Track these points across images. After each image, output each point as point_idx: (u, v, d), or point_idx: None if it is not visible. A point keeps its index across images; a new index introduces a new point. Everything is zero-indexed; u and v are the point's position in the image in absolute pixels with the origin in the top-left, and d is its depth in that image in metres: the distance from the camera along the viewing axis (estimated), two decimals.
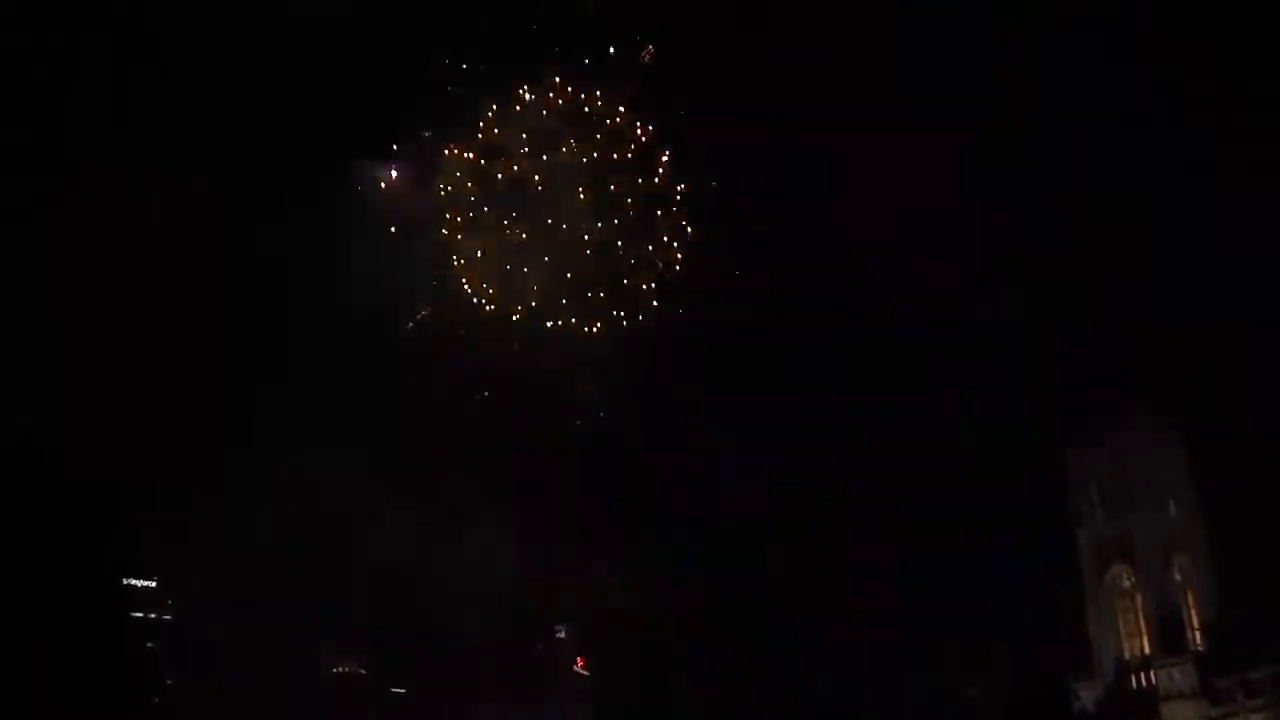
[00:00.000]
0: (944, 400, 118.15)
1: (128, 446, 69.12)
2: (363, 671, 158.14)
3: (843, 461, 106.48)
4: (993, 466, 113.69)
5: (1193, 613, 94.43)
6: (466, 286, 63.18)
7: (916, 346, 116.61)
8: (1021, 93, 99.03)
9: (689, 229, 69.71)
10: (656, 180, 66.63)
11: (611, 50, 68.58)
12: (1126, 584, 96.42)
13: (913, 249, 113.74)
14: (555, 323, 65.43)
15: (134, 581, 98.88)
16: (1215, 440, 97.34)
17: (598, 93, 65.40)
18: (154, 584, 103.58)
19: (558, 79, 64.35)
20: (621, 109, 67.24)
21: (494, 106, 63.32)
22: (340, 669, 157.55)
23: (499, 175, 64.11)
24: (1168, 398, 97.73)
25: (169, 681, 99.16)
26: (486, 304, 63.39)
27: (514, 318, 64.47)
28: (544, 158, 62.88)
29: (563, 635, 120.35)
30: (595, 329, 66.19)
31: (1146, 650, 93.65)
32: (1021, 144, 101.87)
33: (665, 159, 65.85)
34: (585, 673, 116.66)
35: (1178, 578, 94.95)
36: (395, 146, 68.10)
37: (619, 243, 68.15)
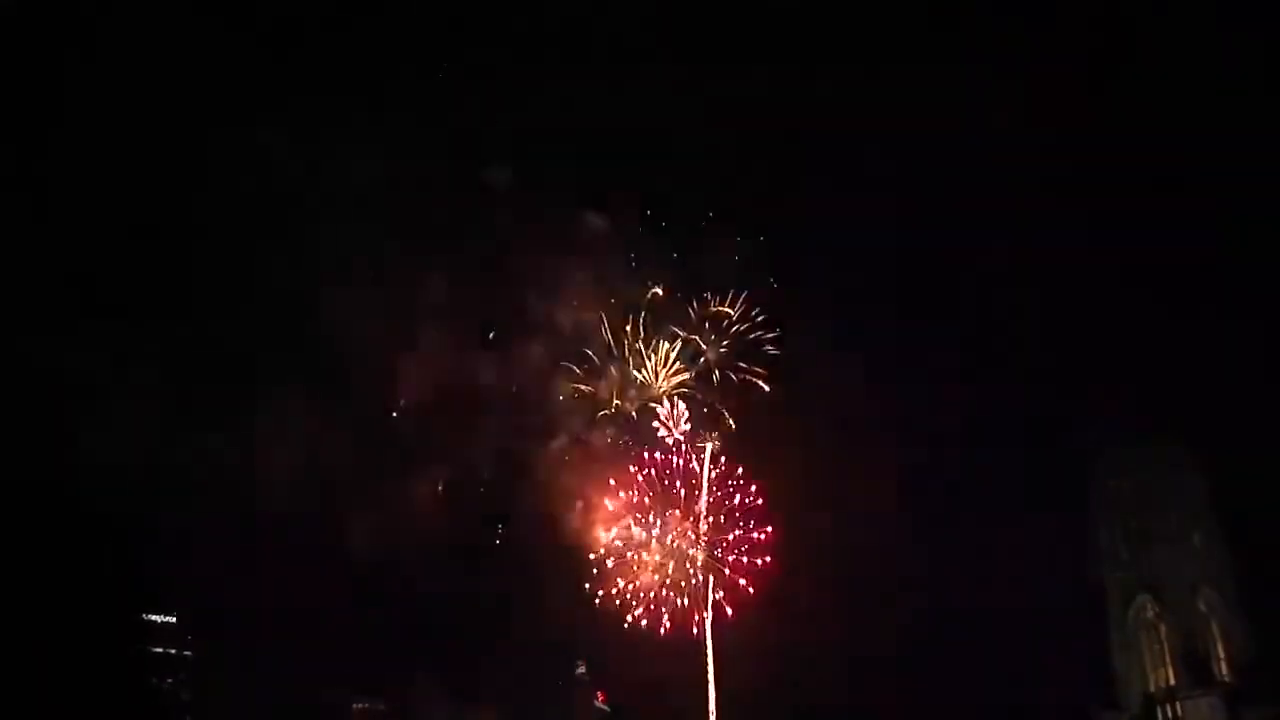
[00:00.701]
0: (966, 433, 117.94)
1: (146, 476, 69.55)
2: (382, 708, 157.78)
3: (861, 495, 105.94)
4: (1017, 497, 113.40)
5: (1219, 644, 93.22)
6: None
7: (938, 383, 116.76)
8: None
9: None
10: None
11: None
12: (1150, 614, 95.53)
13: (933, 273, 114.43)
14: None
15: (154, 617, 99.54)
16: (1240, 470, 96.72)
17: None
18: (174, 619, 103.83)
19: None
20: None
21: None
22: (361, 705, 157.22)
23: None
24: (1192, 429, 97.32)
25: (189, 718, 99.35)
26: None
27: None
28: None
29: (583, 670, 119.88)
30: None
31: (1172, 681, 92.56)
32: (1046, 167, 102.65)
33: None
34: (606, 708, 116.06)
35: (1203, 608, 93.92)
36: None
37: None
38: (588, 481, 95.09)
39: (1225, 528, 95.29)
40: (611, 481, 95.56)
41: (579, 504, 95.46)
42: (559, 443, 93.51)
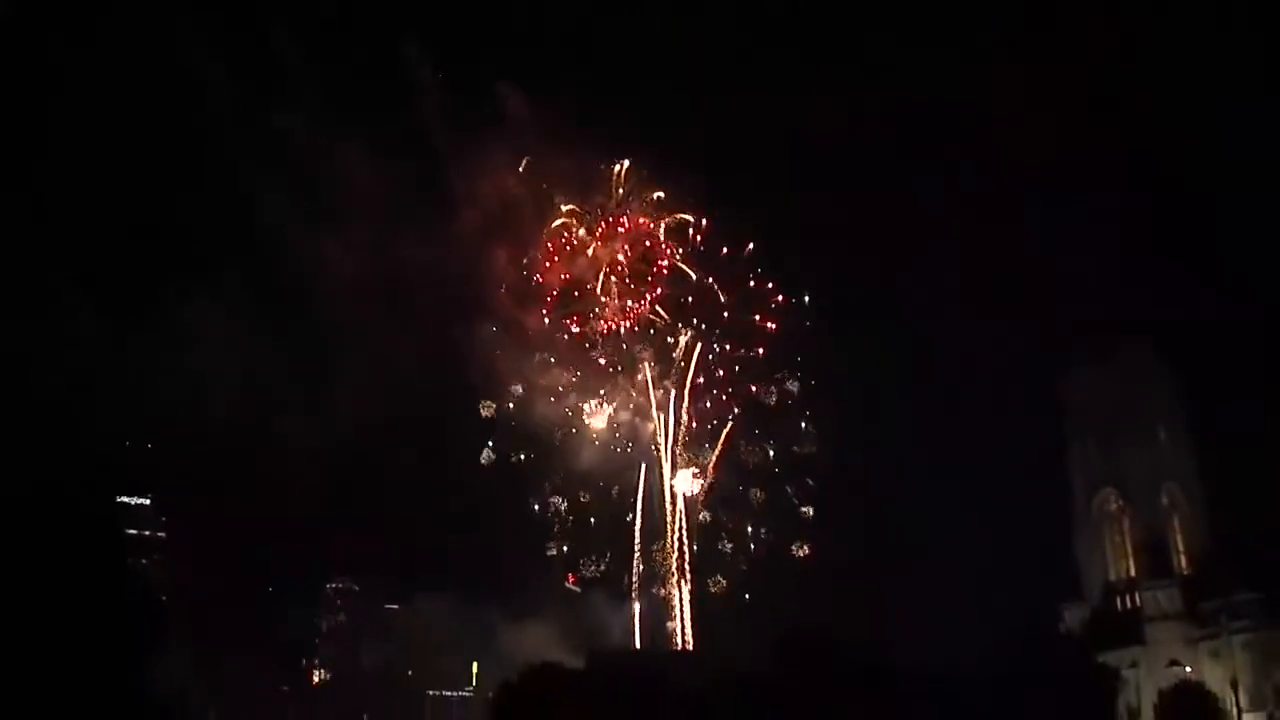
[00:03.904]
0: (935, 332, 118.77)
1: (116, 359, 68.62)
2: (356, 588, 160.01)
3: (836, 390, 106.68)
4: (985, 394, 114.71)
5: (1179, 537, 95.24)
6: None
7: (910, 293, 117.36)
8: None
9: None
10: None
11: None
12: (1113, 506, 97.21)
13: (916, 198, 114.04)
14: None
15: (127, 499, 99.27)
16: (1205, 369, 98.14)
17: None
18: (148, 501, 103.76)
19: None
20: None
21: None
22: (335, 585, 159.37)
23: None
24: (1159, 330, 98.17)
25: (164, 597, 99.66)
26: None
27: None
28: None
29: (553, 554, 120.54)
30: None
31: (1133, 573, 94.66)
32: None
33: None
34: (576, 589, 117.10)
35: (1165, 503, 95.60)
36: None
37: None
38: (527, 360, 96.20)
39: (1190, 426, 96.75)
40: (552, 359, 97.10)
41: (520, 384, 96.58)
42: (495, 321, 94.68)
